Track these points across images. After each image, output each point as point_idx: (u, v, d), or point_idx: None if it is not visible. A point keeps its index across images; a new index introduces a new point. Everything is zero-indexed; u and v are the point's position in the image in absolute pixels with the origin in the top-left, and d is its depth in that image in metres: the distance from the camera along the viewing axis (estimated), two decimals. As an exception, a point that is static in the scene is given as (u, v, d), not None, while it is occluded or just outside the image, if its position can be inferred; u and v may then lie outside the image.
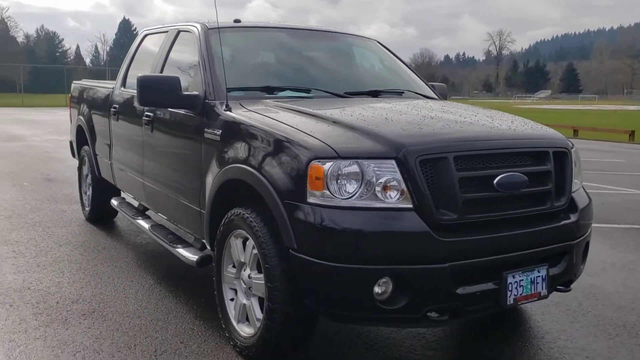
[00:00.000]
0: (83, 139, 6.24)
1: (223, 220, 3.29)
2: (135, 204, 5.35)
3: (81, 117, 6.24)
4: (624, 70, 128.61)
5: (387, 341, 3.47)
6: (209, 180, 3.45)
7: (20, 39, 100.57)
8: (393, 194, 2.72)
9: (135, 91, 3.78)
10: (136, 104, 4.05)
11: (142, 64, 4.97)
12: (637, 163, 13.74)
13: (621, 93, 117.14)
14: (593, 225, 6.48)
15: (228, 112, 3.41)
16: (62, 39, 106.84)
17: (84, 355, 3.21)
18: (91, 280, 4.42)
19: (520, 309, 4.02)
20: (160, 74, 4.25)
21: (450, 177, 2.74)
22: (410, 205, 2.71)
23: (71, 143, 6.90)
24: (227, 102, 3.47)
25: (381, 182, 2.70)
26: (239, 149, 3.20)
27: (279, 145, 2.94)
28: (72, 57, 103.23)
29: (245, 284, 3.21)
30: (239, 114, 3.35)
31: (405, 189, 2.71)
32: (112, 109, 5.19)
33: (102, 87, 5.84)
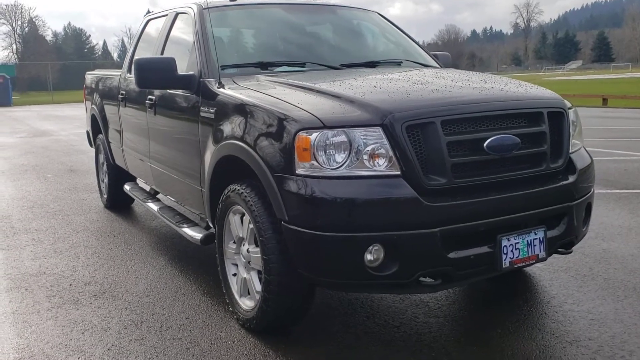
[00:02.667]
0: (97, 127, 6.36)
1: (221, 197, 3.33)
2: (147, 188, 5.44)
3: (94, 107, 6.35)
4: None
5: (389, 309, 3.48)
6: (207, 158, 3.49)
7: (48, 37, 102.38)
8: (381, 161, 2.71)
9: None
10: (135, 87, 4.09)
11: (146, 49, 5.03)
12: (667, 128, 13.37)
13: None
14: (613, 191, 6.46)
15: (220, 90, 3.43)
16: (89, 35, 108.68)
17: (92, 332, 3.30)
18: (105, 263, 4.52)
19: (527, 275, 3.98)
20: (156, 56, 4.30)
21: (437, 141, 2.72)
22: (398, 172, 2.70)
23: (88, 133, 7.04)
24: (219, 80, 3.49)
25: (368, 150, 2.70)
26: (231, 125, 3.22)
27: (267, 119, 2.95)
28: (99, 53, 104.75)
29: (244, 259, 3.25)
30: (230, 90, 3.37)
31: (392, 155, 2.70)
32: (119, 96, 5.27)
33: (111, 75, 5.92)
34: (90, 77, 6.78)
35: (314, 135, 2.70)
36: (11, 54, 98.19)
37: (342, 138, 2.70)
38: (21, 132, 16.89)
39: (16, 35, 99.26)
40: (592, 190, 3.36)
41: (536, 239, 2.94)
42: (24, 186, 7.90)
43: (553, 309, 3.45)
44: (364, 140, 2.70)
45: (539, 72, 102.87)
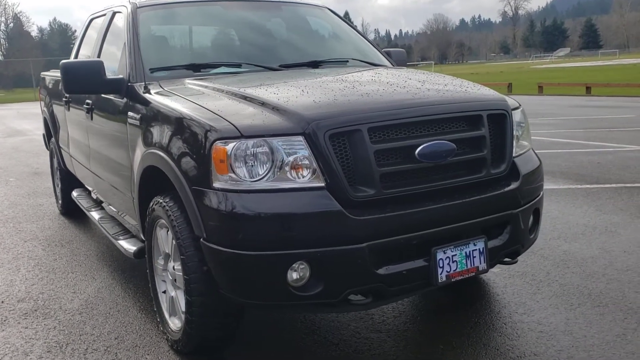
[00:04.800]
0: (49, 131, 6.13)
1: (148, 210, 3.13)
2: (95, 195, 5.22)
3: (45, 109, 6.13)
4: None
5: (332, 324, 3.30)
6: (135, 167, 3.29)
7: (34, 33, 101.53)
8: (304, 172, 2.52)
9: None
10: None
11: (88, 50, 4.80)
12: (647, 117, 13.24)
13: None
14: (583, 187, 6.32)
15: (146, 95, 3.22)
16: (75, 31, 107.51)
17: (12, 357, 3.10)
18: (45, 276, 4.31)
19: (481, 281, 3.81)
20: (83, 59, 4.08)
21: (364, 150, 2.53)
22: (322, 184, 2.51)
23: (44, 135, 6.81)
24: (145, 84, 3.28)
25: (289, 161, 2.51)
26: (153, 133, 3.02)
27: (186, 127, 2.75)
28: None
29: (171, 276, 3.05)
30: (155, 95, 3.16)
31: (316, 166, 2.51)
32: (63, 99, 5.04)
33: (58, 76, 5.67)
34: (42, 77, 6.53)
35: (230, 146, 2.50)
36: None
37: (262, 148, 2.50)
38: (-5, 132, 16.57)
39: (0, 32, 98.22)
40: (541, 194, 3.18)
41: (475, 250, 2.76)
42: (-18, 191, 7.65)
43: (502, 320, 3.28)
44: (286, 151, 2.51)
45: (527, 60, 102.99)
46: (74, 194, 5.38)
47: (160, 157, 2.87)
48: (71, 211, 6.04)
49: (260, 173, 2.51)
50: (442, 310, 3.51)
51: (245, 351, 3.06)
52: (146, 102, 3.18)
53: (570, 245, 4.43)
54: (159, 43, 3.86)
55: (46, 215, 6.18)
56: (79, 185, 5.60)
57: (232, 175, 2.51)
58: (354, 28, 4.49)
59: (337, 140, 2.52)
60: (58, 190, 6.26)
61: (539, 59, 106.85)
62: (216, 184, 2.53)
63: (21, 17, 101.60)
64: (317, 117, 2.54)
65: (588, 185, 6.45)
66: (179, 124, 2.80)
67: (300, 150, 2.51)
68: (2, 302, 3.85)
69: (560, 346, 2.94)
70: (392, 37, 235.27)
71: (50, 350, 3.15)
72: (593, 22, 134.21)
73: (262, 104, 2.72)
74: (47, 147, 6.82)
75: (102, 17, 4.55)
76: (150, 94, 3.22)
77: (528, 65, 73.73)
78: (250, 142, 2.50)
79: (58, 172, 6.05)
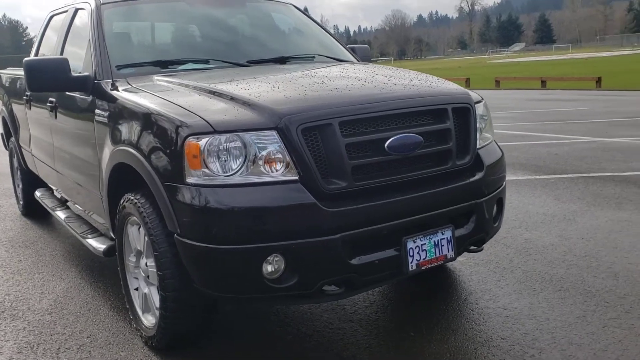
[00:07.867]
0: (8, 130, 6.00)
1: (118, 207, 3.13)
2: (59, 195, 5.15)
3: (4, 108, 6.00)
4: (597, 17, 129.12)
5: (305, 316, 3.35)
6: (103, 165, 3.27)
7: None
8: (277, 166, 2.56)
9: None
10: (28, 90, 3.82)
11: (49, 48, 4.72)
12: (599, 110, 13.68)
13: (594, 40, 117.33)
14: (541, 177, 6.53)
15: (113, 92, 3.21)
16: (26, 27, 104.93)
17: (-19, 360, 3.06)
18: (10, 277, 4.24)
19: (448, 270, 3.92)
20: (47, 57, 4.03)
21: (336, 144, 2.59)
22: (296, 177, 2.56)
23: (2, 135, 6.65)
24: (112, 81, 3.27)
25: (263, 155, 2.55)
26: (123, 130, 3.02)
27: (157, 124, 2.76)
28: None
29: (143, 273, 3.06)
30: (122, 92, 3.15)
31: (289, 160, 2.55)
32: (24, 97, 4.95)
33: (18, 75, 5.57)
34: (1, 76, 6.39)
35: (203, 141, 2.52)
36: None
37: (235, 143, 2.53)
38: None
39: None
40: (504, 185, 3.29)
41: (443, 239, 2.85)
42: (-62, 194, 7.43)
43: (469, 306, 3.39)
44: (259, 145, 2.55)
45: (484, 55, 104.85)
46: (37, 193, 5.29)
47: (131, 154, 2.88)
48: (33, 212, 5.93)
49: (234, 168, 2.55)
50: (412, 299, 3.60)
51: (219, 344, 3.08)
52: (114, 100, 3.17)
53: (531, 234, 4.59)
54: (124, 40, 3.83)
55: (7, 217, 6.05)
56: (42, 184, 5.50)
57: (206, 170, 2.53)
58: (319, 24, 4.54)
59: (309, 134, 2.57)
60: (19, 190, 6.14)
61: (495, 53, 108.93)
62: (189, 180, 2.55)
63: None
64: (289, 112, 2.58)
65: (546, 176, 6.66)
66: (150, 121, 2.81)
67: (273, 144, 2.55)
68: (-33, 305, 3.78)
69: (525, 329, 3.06)
70: (351, 33, 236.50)
71: (21, 351, 3.12)
72: (547, 17, 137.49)
73: (234, 99, 2.75)
74: (6, 147, 6.67)
75: (64, 14, 4.48)
76: (118, 91, 3.20)
77: (485, 60, 75.11)
78: (223, 137, 2.53)
79: (19, 172, 5.94)
